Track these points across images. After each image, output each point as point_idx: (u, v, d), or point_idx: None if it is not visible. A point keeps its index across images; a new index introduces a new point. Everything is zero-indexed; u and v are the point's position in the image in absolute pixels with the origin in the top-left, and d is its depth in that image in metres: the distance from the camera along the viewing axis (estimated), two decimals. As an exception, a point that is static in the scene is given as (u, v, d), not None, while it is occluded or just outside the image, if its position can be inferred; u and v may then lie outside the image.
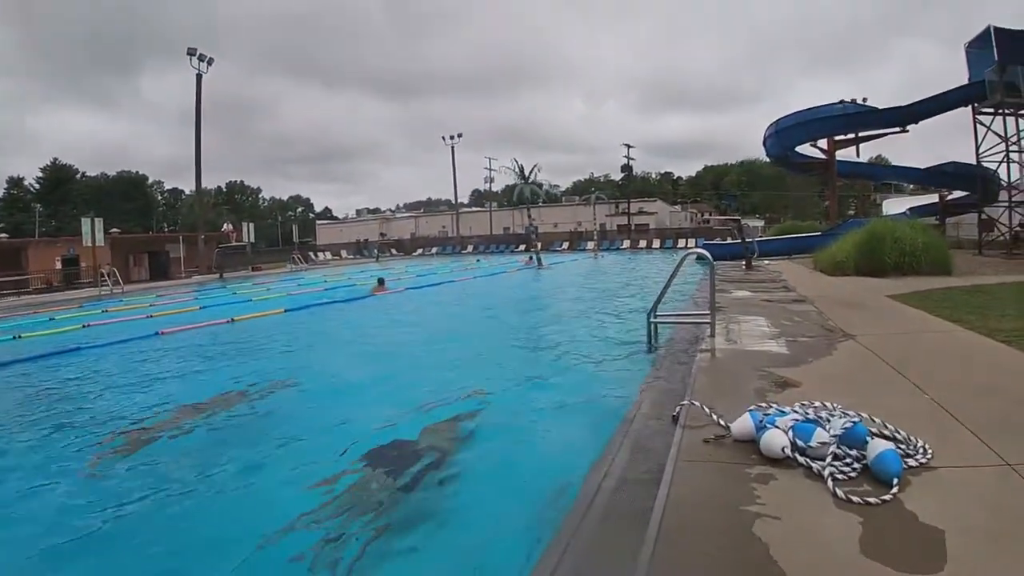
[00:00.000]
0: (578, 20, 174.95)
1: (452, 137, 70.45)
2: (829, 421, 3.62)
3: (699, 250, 8.46)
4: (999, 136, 22.63)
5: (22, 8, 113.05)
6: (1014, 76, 21.58)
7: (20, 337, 13.88)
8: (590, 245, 52.65)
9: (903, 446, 3.46)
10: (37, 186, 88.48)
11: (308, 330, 13.65)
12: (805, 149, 30.73)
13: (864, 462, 3.32)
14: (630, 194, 73.62)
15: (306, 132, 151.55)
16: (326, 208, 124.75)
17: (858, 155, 31.13)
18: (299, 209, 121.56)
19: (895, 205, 38.64)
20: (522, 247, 53.45)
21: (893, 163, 37.78)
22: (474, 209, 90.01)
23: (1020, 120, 22.56)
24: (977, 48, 23.52)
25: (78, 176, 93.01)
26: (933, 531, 2.69)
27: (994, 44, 22.01)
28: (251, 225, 45.59)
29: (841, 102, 29.09)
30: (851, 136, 28.99)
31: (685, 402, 4.63)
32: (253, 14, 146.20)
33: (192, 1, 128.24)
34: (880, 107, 27.64)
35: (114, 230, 50.02)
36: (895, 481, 3.08)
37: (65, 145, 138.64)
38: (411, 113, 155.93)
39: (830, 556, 2.56)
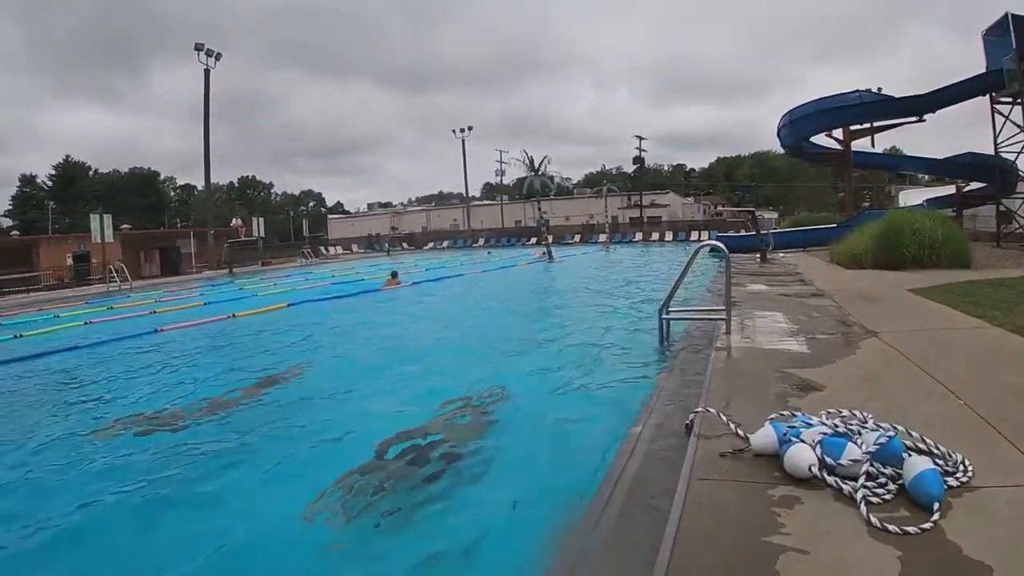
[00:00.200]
0: (588, 9, 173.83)
1: (462, 130, 70.02)
2: (860, 434, 3.26)
3: (713, 242, 8.03)
4: (1017, 126, 21.99)
5: (31, 5, 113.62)
6: (1032, 64, 20.99)
7: (21, 336, 13.72)
8: (602, 238, 52.06)
9: (941, 461, 3.10)
10: (50, 183, 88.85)
11: (310, 325, 13.30)
12: (820, 139, 30.12)
13: (900, 482, 2.95)
14: (642, 186, 72.94)
15: (317, 126, 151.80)
16: (338, 202, 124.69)
17: (873, 145, 30.56)
18: (311, 204, 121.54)
19: (911, 196, 37.95)
20: (533, 240, 52.98)
21: (908, 154, 36.94)
22: (485, 202, 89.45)
23: (1038, 109, 21.95)
24: (995, 36, 22.84)
25: (90, 173, 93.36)
26: (981, 569, 2.33)
27: (1012, 32, 21.31)
28: (261, 220, 45.51)
29: (856, 91, 28.50)
30: (867, 126, 28.40)
31: (699, 409, 4.26)
32: (263, 8, 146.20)
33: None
34: (896, 96, 27.02)
35: (125, 226, 50.28)
36: (936, 506, 2.71)
37: (77, 142, 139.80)
38: (422, 106, 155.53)
39: (867, 601, 2.21)
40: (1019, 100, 21.86)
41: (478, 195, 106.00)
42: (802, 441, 3.25)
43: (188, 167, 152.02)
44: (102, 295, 24.61)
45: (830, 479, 3.02)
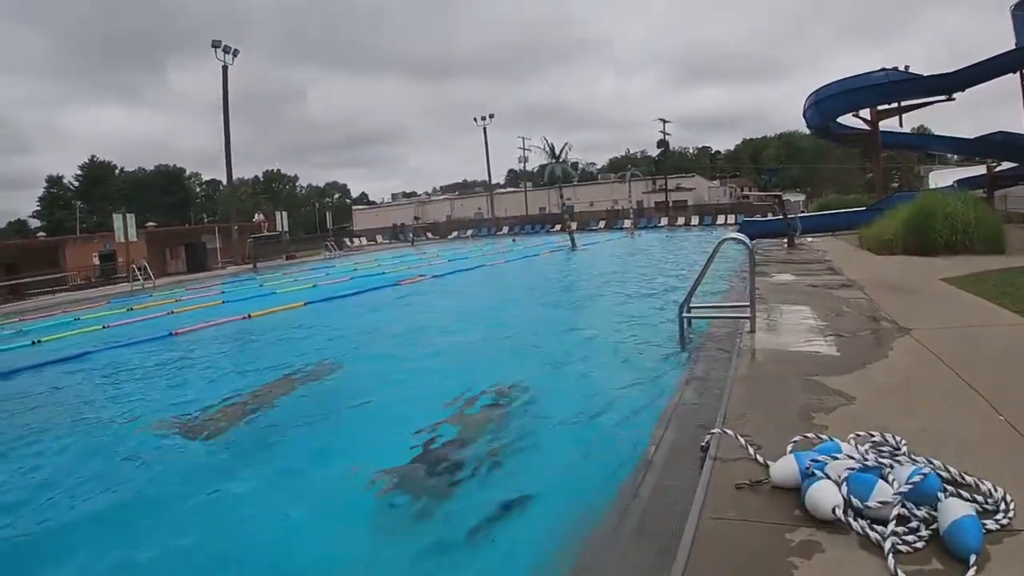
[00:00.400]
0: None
1: (483, 118, 69.75)
2: (892, 468, 2.92)
3: (735, 235, 7.62)
4: (1049, 103, 21.12)
5: (53, 7, 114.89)
6: (1065, 39, 20.13)
7: (39, 342, 13.75)
8: (627, 224, 51.48)
9: (980, 498, 2.76)
10: (76, 183, 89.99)
11: (325, 325, 13.09)
12: (847, 120, 29.28)
13: (934, 526, 2.62)
14: (667, 170, 72.11)
15: (341, 118, 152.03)
16: (362, 193, 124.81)
17: (901, 125, 29.61)
18: (336, 195, 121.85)
19: (941, 177, 36.90)
20: (557, 227, 52.47)
21: (937, 133, 35.82)
22: (509, 190, 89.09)
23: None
24: (1024, 10, 21.96)
25: (116, 172, 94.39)
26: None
27: (1044, 6, 20.52)
28: (284, 214, 45.69)
29: (883, 70, 27.61)
30: (894, 105, 27.49)
31: (716, 430, 3.93)
32: (284, 1, 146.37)
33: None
34: (924, 74, 26.11)
35: (150, 224, 50.81)
36: (972, 559, 2.38)
37: (102, 142, 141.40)
38: (445, 95, 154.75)
39: None
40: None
41: (502, 183, 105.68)
42: (826, 476, 2.92)
43: (213, 163, 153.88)
44: (125, 295, 24.80)
45: (856, 524, 2.69)
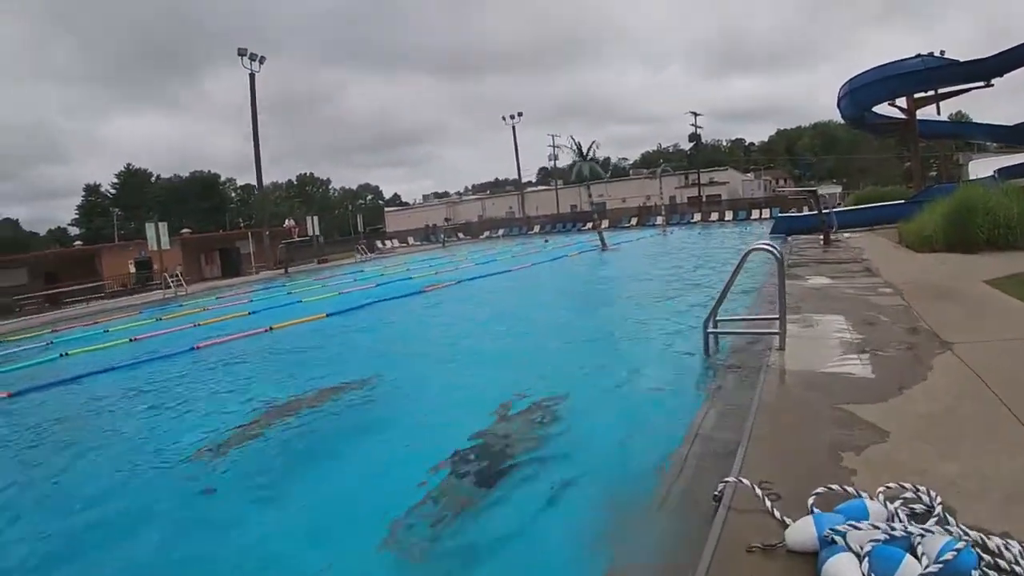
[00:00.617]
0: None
1: (512, 116, 69.60)
2: (923, 538, 2.57)
3: (763, 246, 7.08)
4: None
5: (85, 14, 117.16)
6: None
7: (67, 355, 13.86)
8: (659, 220, 50.77)
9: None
10: (113, 191, 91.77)
11: (341, 341, 12.87)
12: (882, 109, 28.37)
13: (969, 613, 2.28)
14: (699, 164, 71.09)
15: (371, 120, 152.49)
16: (395, 194, 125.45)
17: (939, 113, 28.63)
18: (368, 197, 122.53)
19: (981, 166, 35.65)
20: (588, 225, 51.93)
21: (976, 120, 34.52)
22: (539, 188, 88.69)
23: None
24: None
25: (152, 179, 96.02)
26: None
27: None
28: (315, 218, 45.96)
29: (918, 56, 26.71)
30: (931, 93, 26.56)
31: (731, 479, 3.58)
32: (312, 6, 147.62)
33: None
34: (961, 60, 25.14)
35: (185, 230, 51.55)
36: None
37: (138, 150, 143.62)
38: (474, 94, 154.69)
39: None
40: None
41: (534, 180, 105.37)
42: (848, 547, 2.58)
43: (247, 168, 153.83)
44: (158, 303, 25.16)
45: (879, 609, 2.36)
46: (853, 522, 2.71)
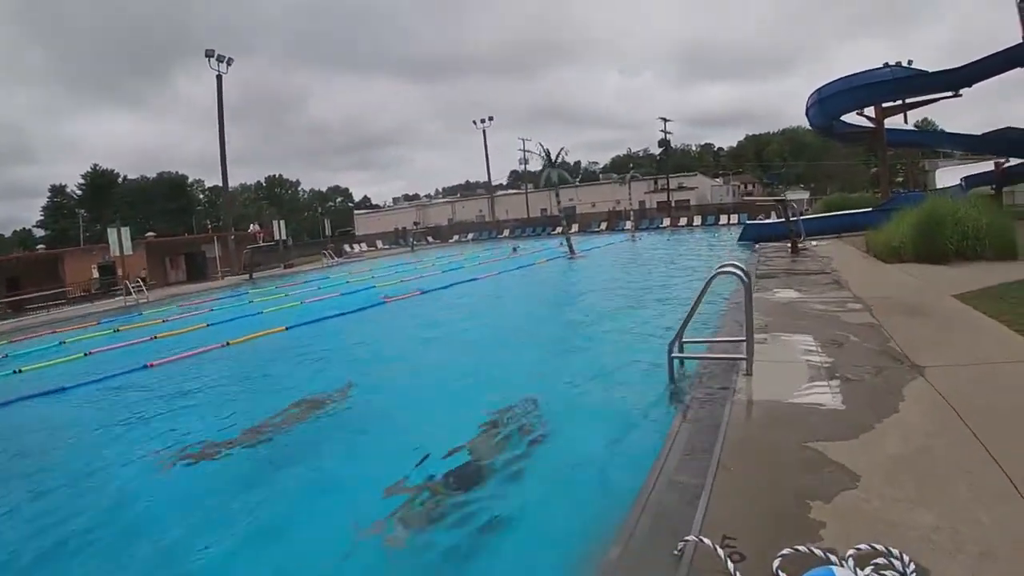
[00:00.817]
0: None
1: (483, 120, 69.46)
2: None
3: (730, 266, 6.80)
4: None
5: (54, 16, 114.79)
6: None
7: (21, 371, 13.37)
8: (628, 225, 50.76)
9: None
10: (80, 192, 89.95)
11: (299, 354, 12.46)
12: (851, 118, 28.63)
13: None
14: (668, 169, 71.42)
15: (342, 122, 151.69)
16: (365, 197, 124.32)
17: (906, 122, 28.98)
18: (338, 199, 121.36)
19: (947, 174, 36.20)
20: (559, 229, 51.77)
21: (942, 128, 35.09)
22: (510, 192, 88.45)
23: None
24: (1032, 4, 21.29)
25: (119, 180, 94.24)
26: None
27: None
28: (282, 222, 45.32)
29: (887, 66, 26.97)
30: (899, 102, 26.84)
31: (691, 538, 3.34)
32: (285, 5, 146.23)
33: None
34: (930, 70, 25.40)
35: (150, 233, 50.59)
36: None
37: (105, 150, 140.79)
38: (446, 96, 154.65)
39: None
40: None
41: (505, 183, 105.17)
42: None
43: (216, 169, 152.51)
44: (118, 311, 24.52)
45: None
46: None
